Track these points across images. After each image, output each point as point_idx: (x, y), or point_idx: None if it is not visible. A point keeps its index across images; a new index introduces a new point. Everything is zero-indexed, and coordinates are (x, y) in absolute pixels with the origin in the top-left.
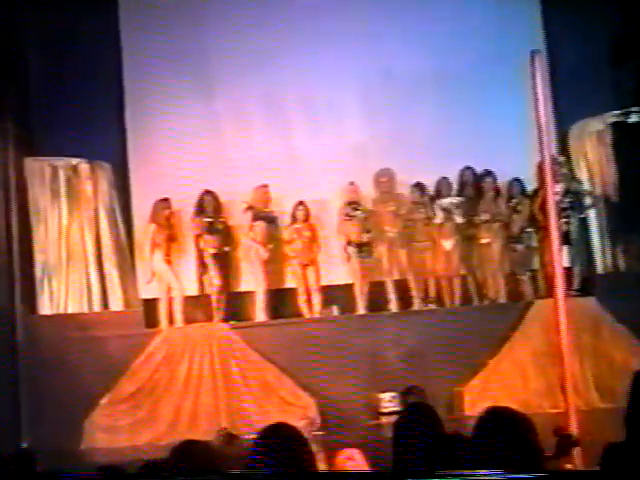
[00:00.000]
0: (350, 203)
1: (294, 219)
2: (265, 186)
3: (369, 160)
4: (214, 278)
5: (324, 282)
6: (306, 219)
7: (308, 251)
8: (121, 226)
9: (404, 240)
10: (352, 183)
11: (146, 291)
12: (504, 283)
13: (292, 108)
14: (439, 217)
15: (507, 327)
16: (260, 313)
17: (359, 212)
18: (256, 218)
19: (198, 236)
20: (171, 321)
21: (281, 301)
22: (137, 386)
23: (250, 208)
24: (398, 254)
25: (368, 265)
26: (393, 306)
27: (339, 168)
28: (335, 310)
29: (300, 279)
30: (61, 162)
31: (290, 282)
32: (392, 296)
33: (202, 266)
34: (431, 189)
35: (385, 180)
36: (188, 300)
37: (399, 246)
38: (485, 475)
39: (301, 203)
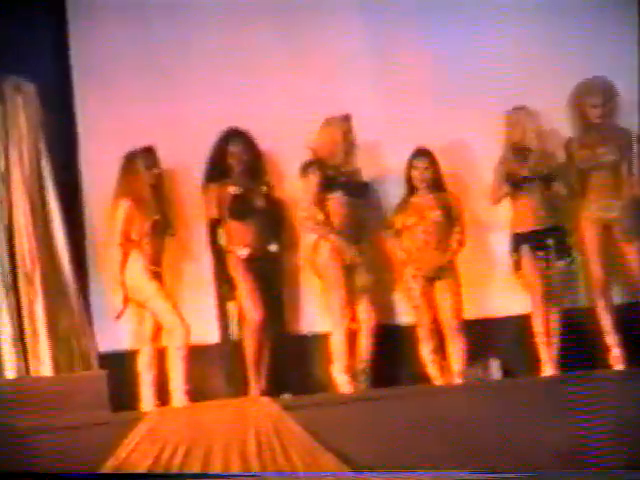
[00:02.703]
0: (519, 150)
1: (411, 186)
2: (346, 118)
3: (555, 64)
4: (250, 308)
5: (471, 313)
6: (436, 184)
7: (440, 250)
8: (54, 204)
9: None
10: (520, 108)
11: (110, 338)
12: None
13: None
14: None
15: None
16: (341, 377)
17: (532, 163)
18: (329, 184)
19: (215, 222)
20: (163, 397)
21: (384, 352)
22: None
23: (316, 164)
24: (625, 250)
25: (558, 275)
26: (616, 359)
27: (492, 80)
28: (495, 368)
29: (423, 307)
30: None
31: (402, 314)
32: (612, 338)
33: (225, 284)
34: None
35: (599, 102)
36: (198, 353)
37: (628, 231)
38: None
39: (422, 152)
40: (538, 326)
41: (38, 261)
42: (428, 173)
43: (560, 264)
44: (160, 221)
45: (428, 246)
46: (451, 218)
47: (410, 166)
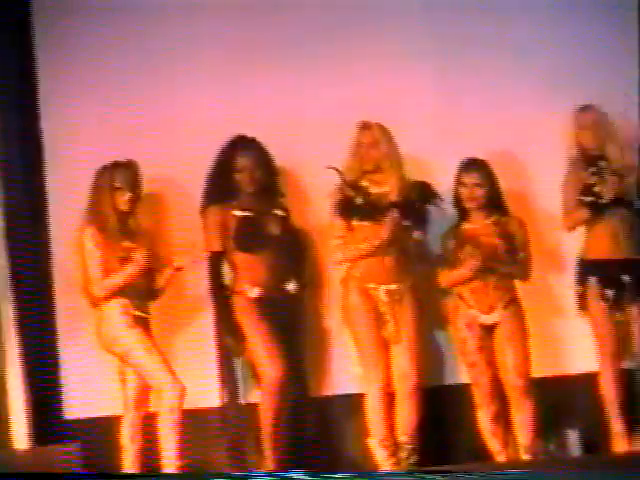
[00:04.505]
0: (592, 160)
1: (462, 209)
2: (365, 126)
3: None
4: (266, 363)
5: (541, 370)
6: (493, 205)
7: (501, 290)
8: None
9: None
10: (589, 108)
11: (86, 401)
12: None
13: None
14: None
15: None
16: (378, 452)
17: (611, 177)
18: (344, 208)
19: (218, 255)
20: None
21: (432, 421)
22: None
23: (347, 186)
24: None
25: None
26: None
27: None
28: (572, 442)
29: (480, 363)
30: None
31: (454, 372)
32: None
33: (230, 332)
34: None
35: None
36: (196, 419)
37: None
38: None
39: (471, 165)
40: (607, 390)
41: None
42: (480, 191)
43: (635, 309)
44: (137, 255)
45: (486, 285)
46: (513, 248)
47: (458, 183)
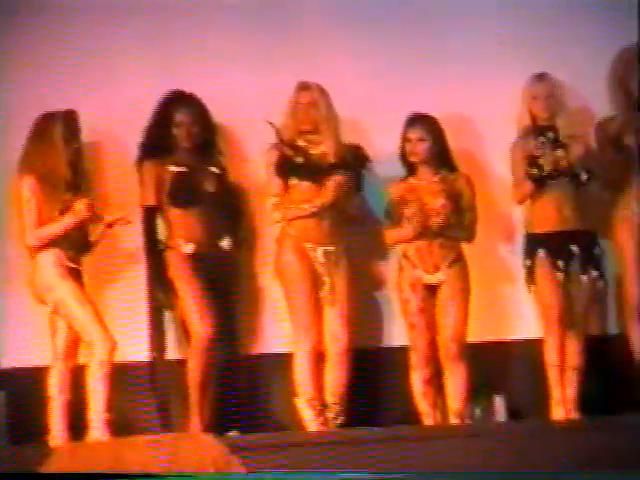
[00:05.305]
0: (540, 131)
1: (409, 165)
2: (304, 87)
3: None
4: (195, 320)
5: (474, 335)
6: (440, 161)
7: (445, 248)
8: None
9: None
10: (541, 77)
11: (15, 351)
12: None
13: None
14: None
15: None
16: (306, 412)
17: (553, 149)
18: (284, 167)
19: (152, 210)
20: (78, 428)
21: (364, 382)
22: None
23: (284, 144)
24: None
25: (582, 292)
26: None
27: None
28: (498, 407)
29: (420, 325)
30: None
31: (391, 334)
32: None
33: (161, 287)
34: None
35: None
36: (124, 373)
37: None
38: None
39: (415, 120)
40: (551, 356)
41: None
42: (423, 145)
43: (585, 278)
44: (76, 205)
45: (431, 244)
46: (459, 208)
47: (403, 139)
